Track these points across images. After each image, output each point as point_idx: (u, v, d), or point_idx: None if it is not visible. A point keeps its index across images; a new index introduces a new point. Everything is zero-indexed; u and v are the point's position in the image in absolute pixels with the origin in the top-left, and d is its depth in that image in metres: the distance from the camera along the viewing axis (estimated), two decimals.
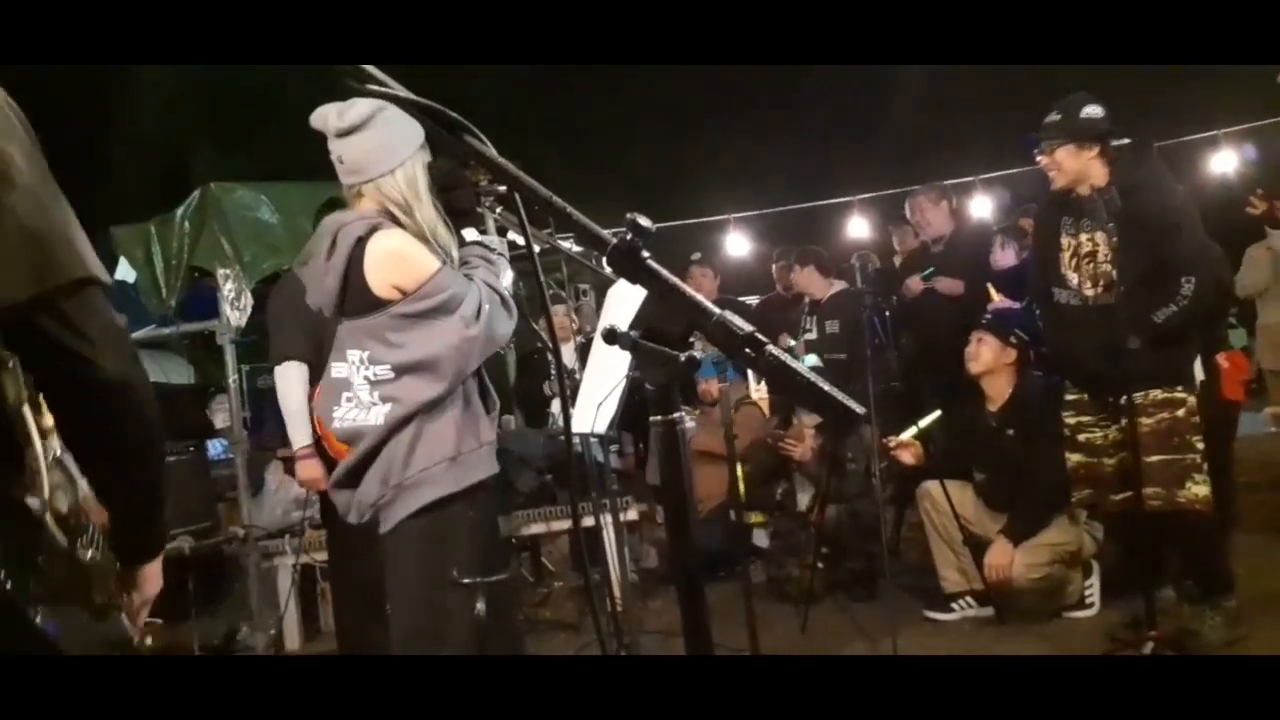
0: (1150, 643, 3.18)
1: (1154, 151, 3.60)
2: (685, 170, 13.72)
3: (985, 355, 4.19)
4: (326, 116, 2.31)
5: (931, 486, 4.24)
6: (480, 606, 2.30)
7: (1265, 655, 3.00)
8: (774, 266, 6.58)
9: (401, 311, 2.28)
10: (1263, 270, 5.97)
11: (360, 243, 2.28)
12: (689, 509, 1.15)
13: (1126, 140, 3.50)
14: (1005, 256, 5.67)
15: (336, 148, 2.33)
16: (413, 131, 2.34)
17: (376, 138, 2.31)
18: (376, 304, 2.30)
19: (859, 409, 0.99)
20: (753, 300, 7.13)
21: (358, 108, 2.28)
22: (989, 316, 4.31)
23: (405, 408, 2.30)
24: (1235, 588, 3.57)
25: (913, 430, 4.37)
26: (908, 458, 4.38)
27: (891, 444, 4.34)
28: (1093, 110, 3.50)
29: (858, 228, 7.74)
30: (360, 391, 2.35)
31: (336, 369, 2.40)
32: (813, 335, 5.50)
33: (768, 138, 13.30)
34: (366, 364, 2.34)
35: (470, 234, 2.47)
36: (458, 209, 2.45)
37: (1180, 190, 3.58)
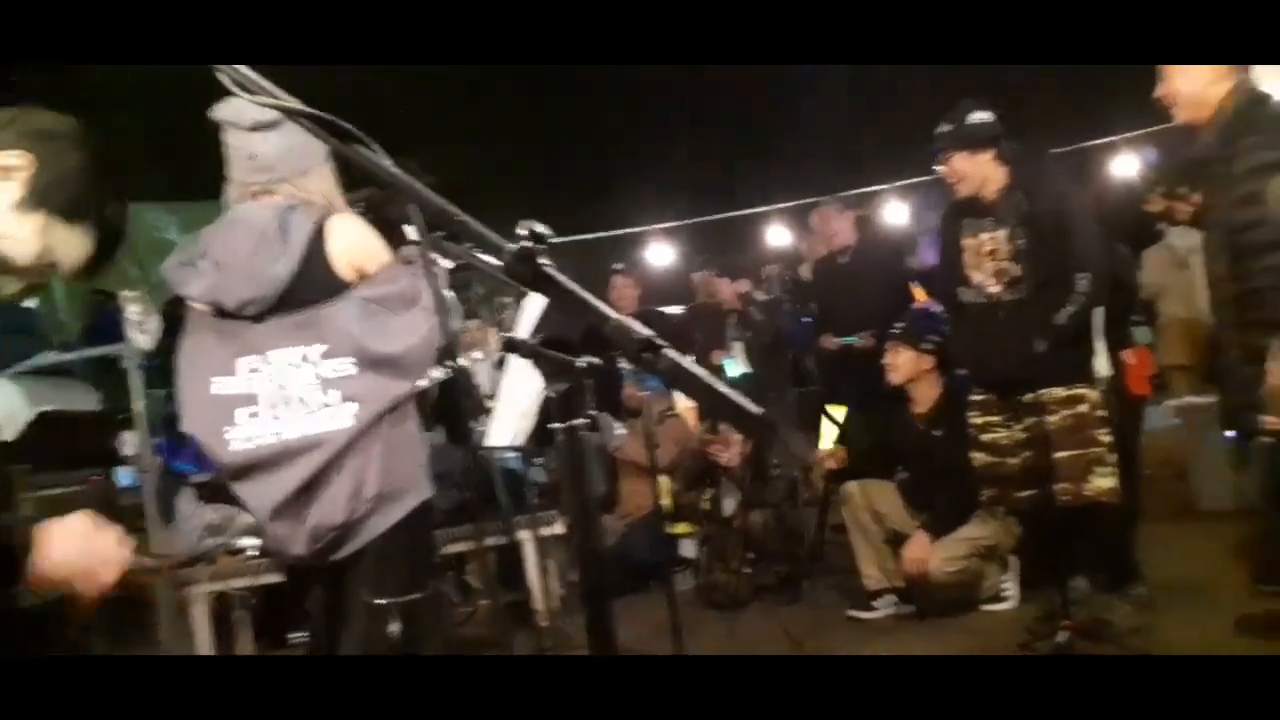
0: (1064, 633, 3.26)
1: (1048, 152, 3.72)
2: (608, 182, 13.75)
3: (902, 366, 4.27)
4: (244, 109, 2.14)
5: (852, 487, 4.31)
6: (395, 628, 2.22)
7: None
8: (695, 275, 6.62)
9: (366, 295, 2.15)
10: (1162, 270, 6.21)
11: (320, 225, 2.16)
12: (592, 517, 1.13)
13: (1020, 144, 3.61)
14: (931, 256, 5.81)
15: (249, 142, 2.18)
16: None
17: (295, 136, 2.17)
18: (340, 288, 2.15)
19: (756, 410, 0.99)
20: (675, 310, 7.16)
21: None
22: (898, 327, 4.38)
23: (375, 406, 2.12)
24: (1143, 576, 3.69)
25: (832, 435, 4.45)
26: (833, 464, 4.47)
27: (821, 458, 4.42)
28: (981, 115, 3.59)
29: (777, 237, 7.84)
30: (305, 394, 2.13)
31: (223, 384, 2.17)
32: (738, 343, 5.57)
33: (689, 149, 13.41)
34: (318, 359, 2.13)
35: (412, 232, 2.38)
36: (391, 220, 2.38)
37: (1076, 190, 3.71)
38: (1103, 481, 3.51)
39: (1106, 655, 3.20)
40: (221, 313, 2.21)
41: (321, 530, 2.13)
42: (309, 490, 2.13)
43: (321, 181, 2.27)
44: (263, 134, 2.18)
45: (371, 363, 2.14)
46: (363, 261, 2.18)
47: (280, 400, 2.15)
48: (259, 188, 2.23)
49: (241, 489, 2.22)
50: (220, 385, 2.18)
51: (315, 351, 2.14)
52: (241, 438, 2.15)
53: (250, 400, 2.16)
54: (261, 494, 2.18)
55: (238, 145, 2.22)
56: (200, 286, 2.20)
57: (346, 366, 2.13)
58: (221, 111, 2.21)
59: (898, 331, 4.34)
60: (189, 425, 2.26)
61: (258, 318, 2.17)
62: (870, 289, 5.31)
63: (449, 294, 2.29)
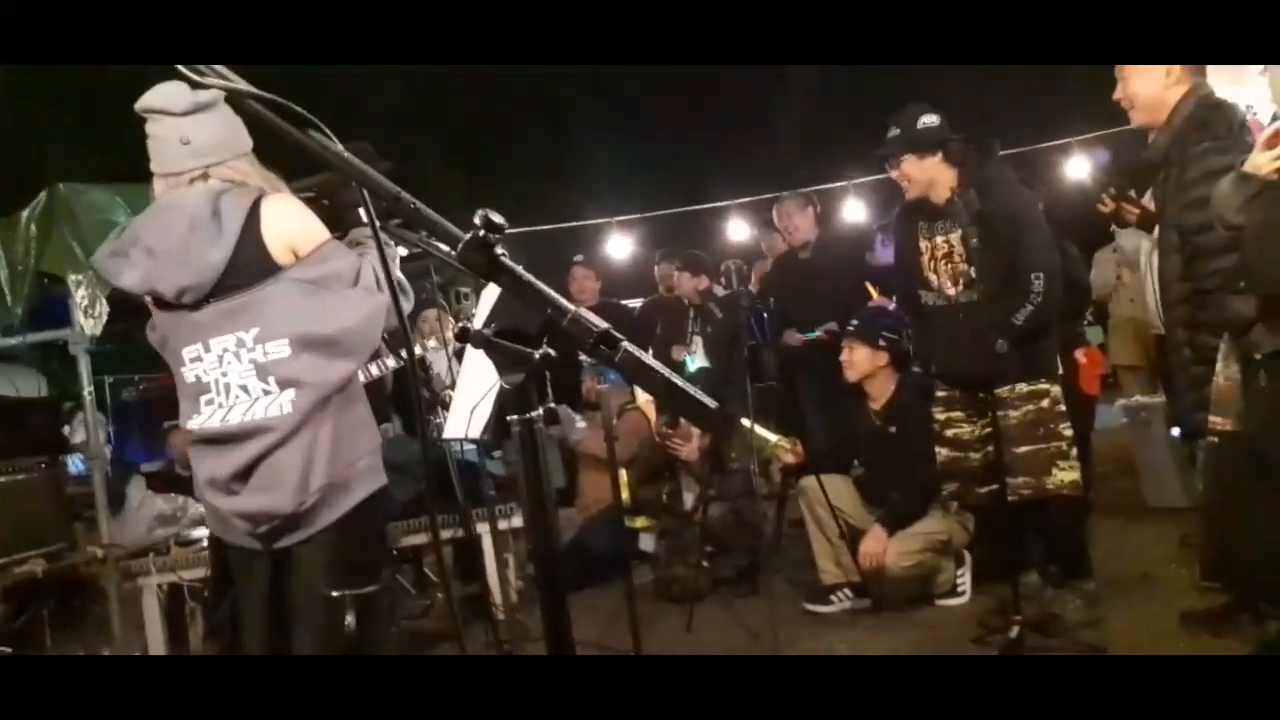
0: (1016, 627, 3.30)
1: (997, 154, 3.77)
2: (567, 172, 13.71)
3: (859, 363, 4.30)
4: (176, 95, 2.11)
5: (809, 482, 4.33)
6: (350, 620, 2.19)
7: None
8: (656, 269, 6.62)
9: (299, 275, 2.11)
10: (1112, 270, 6.32)
11: (255, 206, 2.12)
12: (549, 510, 1.12)
13: (969, 145, 3.65)
14: (886, 254, 5.85)
15: (181, 127, 2.12)
16: (245, 127, 2.22)
17: (230, 120, 2.16)
18: (273, 269, 2.11)
19: (712, 404, 0.98)
20: (635, 303, 7.15)
21: (209, 90, 2.14)
22: (854, 324, 4.41)
23: (316, 391, 2.09)
24: (1093, 571, 3.75)
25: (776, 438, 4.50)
26: (790, 458, 4.50)
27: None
28: (929, 119, 3.64)
29: (737, 231, 7.85)
30: (245, 380, 2.10)
31: (188, 372, 2.16)
32: (698, 338, 5.57)
33: (649, 140, 13.42)
34: (252, 344, 2.10)
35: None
36: (345, 204, 2.34)
37: (1024, 191, 3.75)
38: (1065, 475, 3.58)
39: (1055, 655, 3.25)
40: (161, 303, 2.18)
41: (262, 518, 2.11)
42: (248, 475, 2.10)
43: (254, 166, 2.23)
44: (197, 117, 2.13)
45: (306, 344, 2.10)
46: (298, 242, 2.14)
47: (224, 388, 2.13)
48: (196, 173, 2.17)
49: (195, 460, 2.21)
50: (184, 374, 2.18)
51: (250, 336, 2.11)
52: (199, 423, 2.15)
53: (205, 389, 2.15)
54: (203, 468, 2.17)
55: (166, 134, 2.15)
56: (135, 276, 2.16)
57: (280, 348, 2.10)
58: (150, 100, 2.15)
59: (853, 329, 4.37)
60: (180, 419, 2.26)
61: (195, 305, 2.14)
62: (830, 285, 5.34)
63: (399, 276, 2.23)
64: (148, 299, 2.24)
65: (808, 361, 5.40)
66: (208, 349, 2.13)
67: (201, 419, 2.15)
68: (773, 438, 4.56)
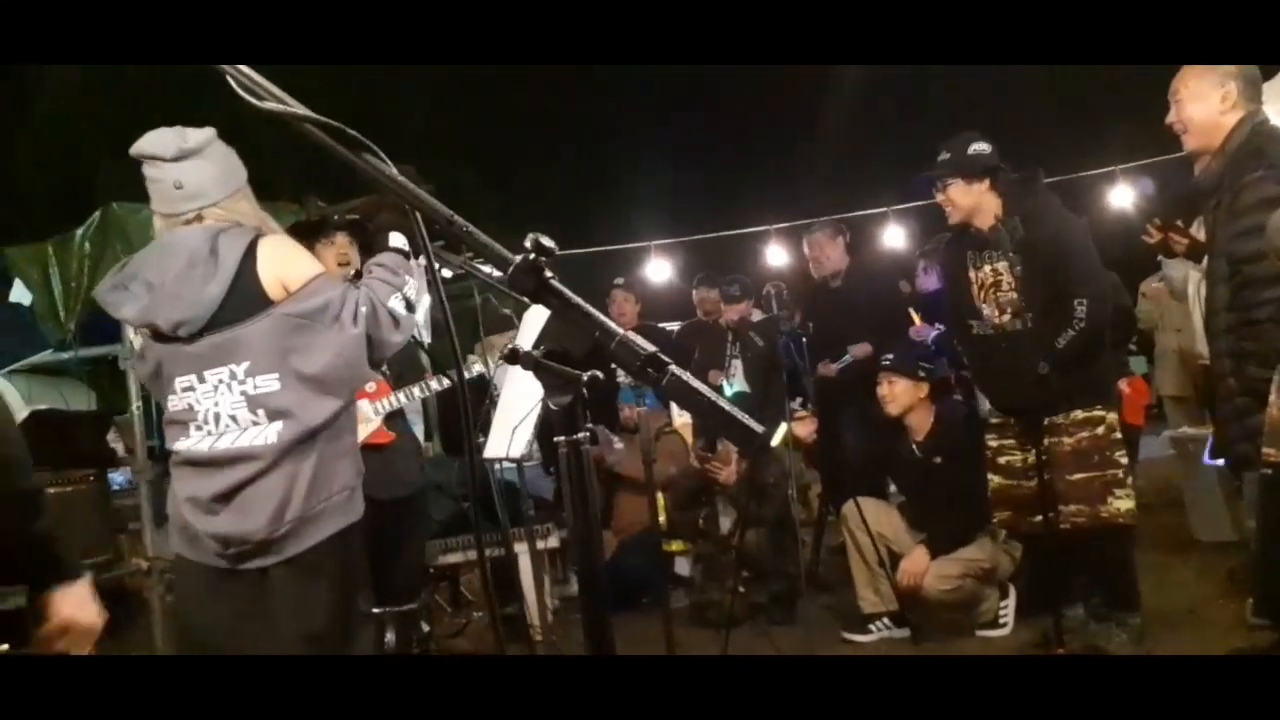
0: None
1: (1041, 181, 3.75)
2: (607, 196, 13.77)
3: (900, 395, 4.26)
4: (167, 141, 2.23)
5: (851, 507, 4.30)
6: (390, 637, 2.23)
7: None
8: (695, 293, 6.62)
9: (287, 310, 2.19)
10: (1159, 301, 6.23)
11: (252, 246, 2.21)
12: (594, 531, 1.13)
13: (1015, 174, 3.65)
14: (928, 280, 5.81)
15: (173, 172, 2.23)
16: (238, 161, 2.32)
17: (220, 161, 2.28)
18: (265, 305, 2.20)
19: (759, 428, 0.99)
20: (673, 326, 7.15)
21: (199, 131, 2.23)
22: (889, 358, 4.37)
23: (302, 424, 2.17)
24: (1140, 605, 3.68)
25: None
26: (802, 432, 4.61)
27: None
28: (980, 147, 3.66)
29: (776, 256, 7.84)
30: (235, 411, 2.19)
31: (173, 401, 2.25)
32: (736, 361, 5.55)
33: (689, 164, 13.46)
34: (244, 377, 2.18)
35: (396, 239, 2.40)
36: (381, 227, 2.40)
37: (1071, 216, 3.73)
38: (1121, 503, 3.54)
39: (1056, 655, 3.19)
40: (158, 335, 2.26)
41: (235, 540, 2.17)
42: (228, 498, 2.17)
43: (248, 202, 2.33)
44: (188, 163, 2.23)
45: (295, 378, 2.18)
46: (289, 278, 2.22)
47: (213, 417, 2.21)
48: (190, 214, 2.26)
49: (176, 480, 2.29)
50: (172, 403, 2.26)
51: (241, 369, 2.19)
52: (186, 445, 2.23)
53: (193, 416, 2.23)
54: (184, 487, 2.24)
55: (161, 177, 2.25)
56: (134, 309, 2.25)
57: (271, 383, 2.18)
58: (143, 146, 2.25)
59: (890, 363, 4.33)
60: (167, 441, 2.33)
61: (190, 339, 2.23)
62: (863, 313, 5.31)
63: (404, 311, 2.30)
64: (144, 331, 2.33)
65: (842, 391, 5.35)
66: (202, 379, 2.22)
67: (190, 443, 2.23)
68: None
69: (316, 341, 2.19)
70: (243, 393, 2.18)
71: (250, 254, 2.20)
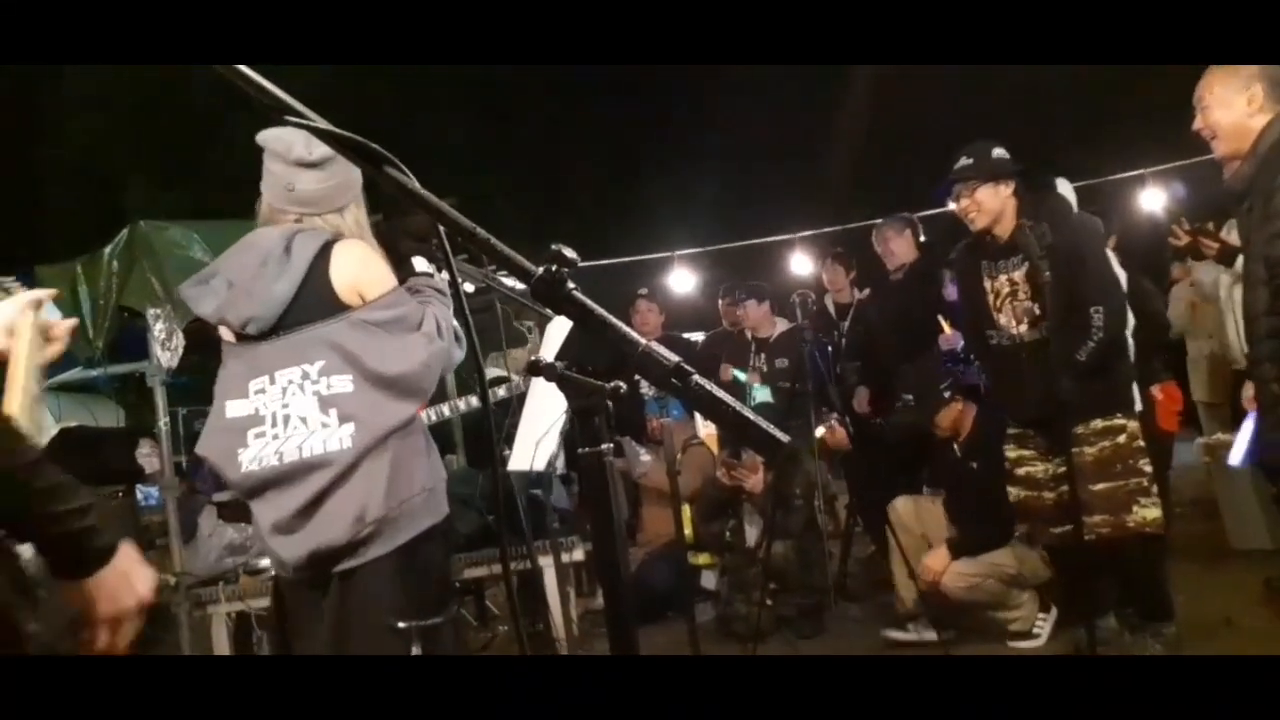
0: None
1: (1055, 187, 3.71)
2: (630, 206, 13.80)
3: (952, 416, 4.25)
4: (292, 144, 2.23)
5: (901, 504, 4.27)
6: (416, 650, 2.20)
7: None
8: (720, 303, 6.60)
9: (365, 317, 2.18)
10: (1190, 305, 6.14)
11: (325, 248, 2.22)
12: (618, 542, 1.11)
13: (1029, 180, 3.62)
14: (954, 290, 5.74)
15: (290, 175, 2.25)
16: (359, 174, 2.31)
17: (341, 175, 2.28)
18: (339, 309, 2.19)
19: (783, 437, 0.97)
20: (698, 336, 7.14)
21: (324, 145, 2.23)
22: (949, 383, 4.33)
23: (374, 430, 2.13)
24: (1174, 615, 3.61)
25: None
26: (830, 439, 4.64)
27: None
28: (1001, 152, 3.64)
29: (800, 265, 7.81)
30: (306, 412, 2.14)
31: (236, 406, 2.21)
32: (763, 370, 5.53)
33: (711, 174, 13.46)
34: (317, 377, 2.15)
35: (420, 264, 2.42)
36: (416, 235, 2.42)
37: (1088, 222, 3.68)
38: (1146, 512, 3.48)
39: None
40: (238, 336, 2.27)
41: (322, 551, 2.14)
42: (310, 511, 2.14)
43: (352, 223, 2.32)
44: (306, 170, 2.25)
45: (369, 380, 2.15)
46: (365, 287, 2.21)
47: (282, 419, 2.17)
48: (292, 217, 2.28)
49: (254, 506, 2.25)
50: (234, 408, 2.22)
51: (315, 369, 2.17)
52: (250, 459, 2.18)
53: (258, 421, 2.19)
54: (265, 512, 2.21)
55: (277, 171, 2.28)
56: (211, 305, 2.26)
57: (344, 384, 2.15)
58: (268, 140, 2.27)
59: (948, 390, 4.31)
60: (202, 448, 2.30)
61: (264, 337, 2.22)
62: (912, 313, 5.26)
63: (454, 324, 2.31)
64: (223, 330, 2.32)
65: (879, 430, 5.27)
66: (273, 380, 2.19)
67: (250, 452, 2.17)
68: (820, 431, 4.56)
69: (394, 348, 2.17)
70: (315, 393, 2.15)
71: (323, 256, 2.20)
